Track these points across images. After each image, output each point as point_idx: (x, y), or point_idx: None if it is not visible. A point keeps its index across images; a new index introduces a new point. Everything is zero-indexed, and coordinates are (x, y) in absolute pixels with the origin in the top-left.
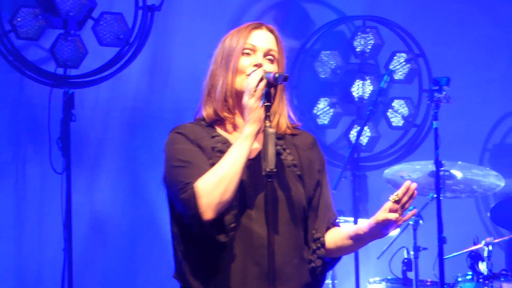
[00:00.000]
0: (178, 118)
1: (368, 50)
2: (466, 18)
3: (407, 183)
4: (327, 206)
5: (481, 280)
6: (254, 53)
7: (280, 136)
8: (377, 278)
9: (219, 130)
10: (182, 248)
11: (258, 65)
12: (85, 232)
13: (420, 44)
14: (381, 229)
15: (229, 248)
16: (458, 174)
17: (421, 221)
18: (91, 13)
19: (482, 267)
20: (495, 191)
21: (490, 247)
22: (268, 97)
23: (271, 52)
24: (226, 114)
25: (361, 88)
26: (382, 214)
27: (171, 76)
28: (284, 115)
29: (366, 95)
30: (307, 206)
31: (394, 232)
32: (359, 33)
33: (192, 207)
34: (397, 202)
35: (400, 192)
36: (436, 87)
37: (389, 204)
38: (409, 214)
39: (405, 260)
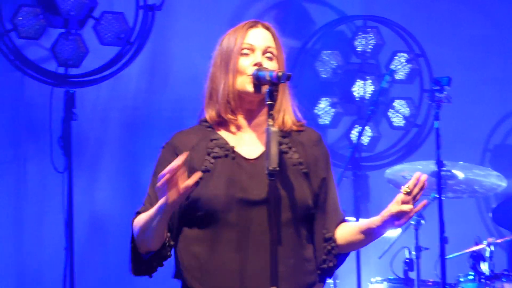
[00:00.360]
0: (178, 118)
1: (369, 50)
2: (466, 18)
3: (417, 174)
4: (335, 204)
5: (482, 280)
6: (253, 52)
7: (285, 135)
8: (379, 278)
9: (222, 132)
10: (181, 248)
11: (258, 64)
12: (86, 231)
13: (421, 44)
14: (393, 221)
15: (229, 246)
16: (459, 174)
17: (422, 221)
18: (92, 12)
19: (484, 267)
20: (496, 192)
21: (492, 248)
22: (271, 96)
23: (269, 50)
24: (230, 116)
25: (362, 88)
26: (395, 206)
27: (172, 76)
28: (288, 112)
29: (367, 95)
30: (312, 204)
31: (395, 232)
32: (360, 33)
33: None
34: (408, 194)
35: (411, 183)
36: (437, 87)
37: (400, 196)
38: (420, 204)
39: (407, 260)
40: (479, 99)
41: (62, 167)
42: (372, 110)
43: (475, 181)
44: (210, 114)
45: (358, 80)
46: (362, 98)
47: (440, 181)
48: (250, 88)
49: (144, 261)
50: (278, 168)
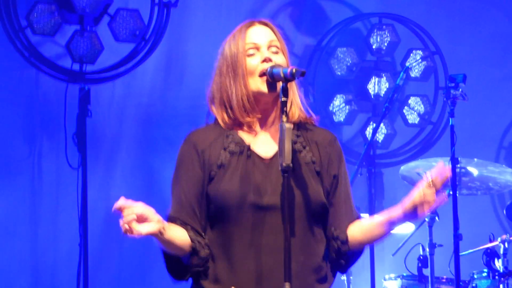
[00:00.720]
0: (193, 114)
1: (384, 47)
2: (482, 15)
3: (440, 164)
4: (347, 202)
5: (497, 277)
6: (258, 50)
7: (298, 134)
8: (393, 275)
9: (238, 131)
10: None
11: (267, 59)
12: (100, 227)
13: (436, 42)
14: (415, 212)
15: (242, 245)
16: (474, 171)
17: (437, 218)
18: (107, 9)
19: (498, 264)
20: (511, 189)
21: (506, 245)
22: (285, 92)
23: (273, 43)
24: (248, 119)
25: (377, 85)
26: (418, 196)
27: (187, 73)
28: (295, 104)
29: (382, 92)
30: (326, 202)
31: (409, 229)
32: (375, 30)
33: None
34: (430, 185)
35: (434, 172)
36: (452, 84)
37: (423, 186)
38: (442, 196)
39: (421, 257)
40: (495, 96)
41: (76, 164)
42: (387, 107)
43: (490, 178)
44: (223, 118)
45: (373, 77)
46: (377, 95)
47: (454, 178)
48: (264, 88)
49: (184, 264)
50: (291, 165)
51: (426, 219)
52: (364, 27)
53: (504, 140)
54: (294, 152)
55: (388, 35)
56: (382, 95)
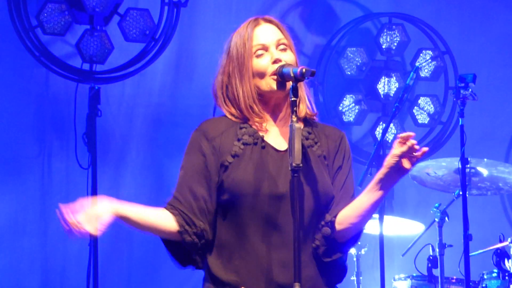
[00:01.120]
0: (203, 114)
1: (394, 47)
2: (492, 15)
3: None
4: (346, 193)
5: (507, 277)
6: (266, 50)
7: (309, 131)
8: (402, 275)
9: (251, 122)
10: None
11: (277, 61)
12: (110, 227)
13: (446, 41)
14: (399, 167)
15: (255, 235)
16: (484, 171)
17: (446, 218)
18: (117, 9)
19: (508, 264)
20: None
21: None
22: (295, 92)
23: (281, 41)
24: (256, 119)
25: (387, 85)
26: (397, 148)
27: (197, 72)
28: (303, 101)
29: (392, 92)
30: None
31: (419, 229)
32: (385, 30)
33: None
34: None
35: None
36: (462, 84)
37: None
38: (422, 149)
39: (431, 257)
40: (505, 96)
41: (86, 164)
42: (396, 107)
43: (500, 178)
44: (232, 113)
45: (383, 77)
46: (386, 95)
47: (464, 178)
48: (275, 86)
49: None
50: (301, 165)
51: (436, 219)
52: (374, 26)
53: None
54: (306, 147)
55: (398, 34)
56: (391, 95)
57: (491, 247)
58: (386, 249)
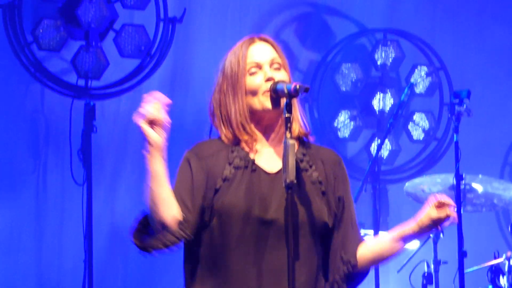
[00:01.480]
0: (198, 130)
1: (389, 63)
2: (486, 31)
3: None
4: (353, 225)
5: None
6: (260, 69)
7: (304, 153)
8: None
9: (243, 146)
10: (195, 259)
11: (270, 79)
12: (105, 243)
13: (441, 57)
14: (430, 227)
15: (243, 257)
16: (478, 187)
17: (441, 235)
18: (113, 25)
19: (503, 281)
20: None
21: (511, 262)
22: (289, 108)
23: (275, 61)
24: (246, 137)
25: (382, 101)
26: (433, 211)
27: (192, 88)
28: (296, 120)
29: (387, 108)
30: (329, 222)
31: (414, 246)
32: (380, 46)
33: None
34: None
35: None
36: (457, 100)
37: (433, 203)
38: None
39: (426, 274)
40: (500, 112)
41: (81, 180)
42: (391, 123)
43: (494, 194)
44: (226, 135)
45: (378, 93)
46: (382, 111)
47: (459, 194)
48: (268, 104)
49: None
50: (295, 181)
51: (431, 235)
52: (369, 42)
53: (509, 156)
54: (300, 170)
55: (392, 50)
56: (387, 111)
57: (486, 264)
58: (381, 266)
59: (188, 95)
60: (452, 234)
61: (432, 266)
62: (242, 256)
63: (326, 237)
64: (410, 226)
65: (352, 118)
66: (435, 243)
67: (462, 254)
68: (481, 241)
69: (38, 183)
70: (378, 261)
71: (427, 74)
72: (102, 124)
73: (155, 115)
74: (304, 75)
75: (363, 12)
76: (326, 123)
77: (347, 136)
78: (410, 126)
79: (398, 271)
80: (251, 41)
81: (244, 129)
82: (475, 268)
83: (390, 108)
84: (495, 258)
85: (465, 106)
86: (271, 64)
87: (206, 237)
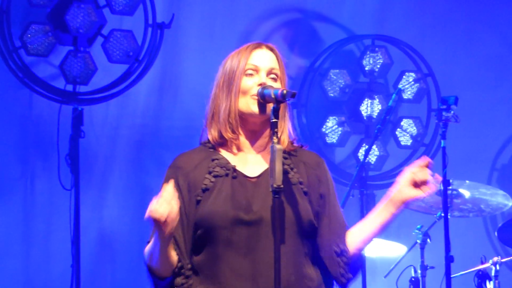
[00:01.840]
0: (187, 136)
1: (377, 69)
2: (475, 38)
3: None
4: (339, 219)
5: None
6: (257, 73)
7: (286, 156)
8: None
9: (224, 153)
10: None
11: (262, 84)
12: (93, 249)
13: (429, 64)
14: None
15: (232, 263)
16: (466, 193)
17: (428, 240)
18: (101, 30)
19: (489, 286)
20: (503, 211)
21: (498, 267)
22: (276, 113)
23: (274, 71)
24: (230, 135)
25: (370, 107)
26: (409, 192)
27: (180, 94)
28: (285, 132)
29: (375, 114)
30: (315, 222)
31: (401, 251)
32: (368, 52)
33: None
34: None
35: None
36: (444, 106)
37: (407, 179)
38: (436, 182)
39: (413, 279)
40: (487, 118)
41: (69, 185)
42: (379, 129)
43: (481, 200)
44: (212, 134)
45: (366, 99)
46: (369, 117)
47: (446, 199)
48: (255, 109)
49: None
50: (282, 186)
51: (418, 241)
52: (357, 48)
53: (496, 162)
54: (284, 172)
55: (381, 57)
56: (374, 117)
57: (473, 269)
58: (368, 271)
59: (176, 100)
60: (439, 239)
61: (419, 271)
62: (231, 262)
63: (313, 236)
64: (388, 211)
65: (340, 124)
66: (422, 248)
67: (449, 259)
68: (468, 246)
69: (26, 188)
70: (367, 240)
71: (415, 80)
72: (90, 129)
73: (161, 214)
74: (293, 81)
75: (351, 18)
76: (314, 128)
77: (335, 142)
78: (398, 132)
79: (385, 276)
80: (258, 45)
81: (230, 126)
82: (462, 273)
83: (378, 114)
84: (482, 263)
85: (452, 112)
86: (269, 73)
87: (195, 250)
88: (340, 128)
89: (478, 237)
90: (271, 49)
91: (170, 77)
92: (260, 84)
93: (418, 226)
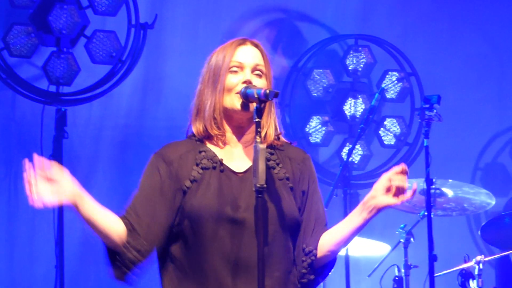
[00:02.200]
0: (170, 136)
1: (360, 69)
2: (457, 37)
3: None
4: (318, 219)
5: None
6: (242, 70)
7: (272, 152)
8: None
9: (209, 145)
10: (169, 260)
11: (247, 82)
12: (77, 249)
13: (412, 63)
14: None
15: (216, 257)
16: (449, 192)
17: (412, 239)
18: (84, 31)
19: (473, 285)
20: (486, 210)
21: (481, 265)
22: (259, 113)
23: (258, 67)
24: (215, 131)
25: (353, 107)
26: (383, 199)
27: (164, 94)
28: (271, 127)
29: (358, 114)
30: (299, 217)
31: (385, 250)
32: (351, 52)
33: None
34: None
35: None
36: (427, 105)
37: (383, 185)
38: (411, 190)
39: (396, 278)
40: (470, 117)
41: None
42: (362, 128)
43: (465, 199)
44: (197, 128)
45: (349, 99)
46: (353, 116)
47: (429, 198)
48: (238, 105)
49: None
50: (265, 185)
51: (402, 240)
52: (341, 48)
53: (479, 161)
54: (268, 168)
55: (364, 56)
56: (358, 116)
57: (456, 268)
58: (352, 270)
59: (160, 100)
60: (423, 238)
61: (402, 270)
62: (215, 256)
63: (296, 232)
64: (362, 216)
65: (323, 123)
66: (405, 247)
67: (432, 258)
68: (451, 245)
69: (10, 188)
70: (338, 243)
71: (398, 80)
72: (74, 130)
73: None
74: (276, 80)
75: (334, 18)
76: (297, 128)
77: (318, 141)
78: (382, 131)
79: (369, 276)
80: (242, 41)
81: (216, 123)
82: (445, 272)
83: (361, 113)
84: (465, 262)
85: (435, 112)
86: (254, 70)
87: (179, 240)
88: (323, 128)
89: (462, 236)
90: (256, 45)
91: (153, 78)
92: (244, 82)
93: (402, 225)
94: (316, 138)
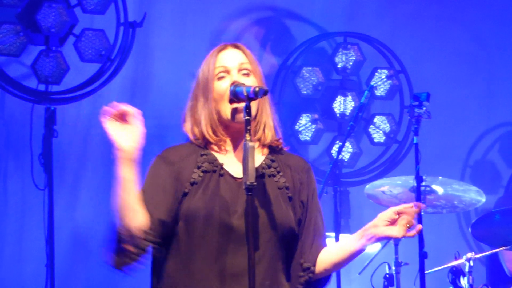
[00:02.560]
0: (159, 135)
1: (349, 67)
2: (447, 35)
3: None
4: (317, 232)
5: None
6: (228, 73)
7: (273, 159)
8: None
9: (211, 150)
10: (161, 260)
11: (234, 82)
12: (67, 248)
13: (401, 61)
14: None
15: (206, 262)
16: (439, 189)
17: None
18: (73, 30)
19: (463, 282)
20: (476, 207)
21: (471, 262)
22: (249, 111)
23: (243, 66)
24: (216, 138)
25: (343, 104)
26: (384, 230)
27: (152, 93)
28: (268, 126)
29: (348, 111)
30: (296, 229)
31: (375, 248)
32: (340, 50)
33: None
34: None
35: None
36: (416, 103)
37: (387, 217)
38: (414, 230)
39: (387, 275)
40: (460, 115)
41: (42, 184)
42: (351, 126)
43: (455, 196)
44: (196, 135)
45: (338, 96)
46: (342, 114)
47: (419, 196)
48: (229, 115)
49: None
50: (255, 183)
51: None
52: (329, 46)
53: (469, 158)
54: (268, 176)
55: (353, 54)
56: (347, 114)
57: (447, 265)
58: (343, 268)
59: (148, 99)
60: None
61: (393, 268)
62: (204, 260)
63: (293, 243)
64: (359, 243)
65: (313, 121)
66: (396, 245)
67: (423, 256)
68: (441, 242)
69: None
70: (334, 264)
71: (388, 77)
72: (63, 129)
73: (122, 109)
74: (265, 79)
75: (323, 16)
76: (287, 126)
77: (308, 139)
78: (371, 129)
79: (360, 273)
80: (222, 47)
81: (214, 133)
82: (436, 269)
83: (351, 111)
84: (455, 259)
85: (424, 109)
86: (240, 70)
87: (173, 241)
88: (313, 126)
89: (452, 233)
90: (236, 47)
91: (142, 76)
92: (232, 83)
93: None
94: (305, 136)
